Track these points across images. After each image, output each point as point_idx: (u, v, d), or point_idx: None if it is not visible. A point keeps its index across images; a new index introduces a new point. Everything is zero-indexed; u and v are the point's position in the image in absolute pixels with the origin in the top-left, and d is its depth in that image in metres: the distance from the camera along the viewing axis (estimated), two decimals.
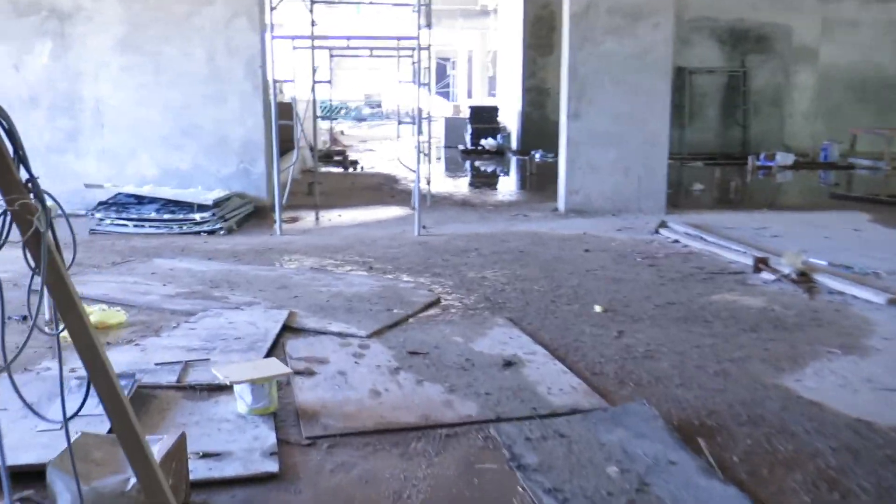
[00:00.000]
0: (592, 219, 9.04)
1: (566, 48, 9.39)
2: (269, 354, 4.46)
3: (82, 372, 4.32)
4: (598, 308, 5.44)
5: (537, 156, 15.35)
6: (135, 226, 8.27)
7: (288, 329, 4.96)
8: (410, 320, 5.20)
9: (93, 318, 4.94)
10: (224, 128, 9.30)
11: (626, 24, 9.16)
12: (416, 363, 4.35)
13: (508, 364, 4.31)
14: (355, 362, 4.37)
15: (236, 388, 3.63)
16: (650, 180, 9.38)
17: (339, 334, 4.84)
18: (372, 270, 6.60)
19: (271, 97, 8.83)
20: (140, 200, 8.53)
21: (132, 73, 9.18)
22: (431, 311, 5.42)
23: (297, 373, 4.17)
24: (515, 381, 4.07)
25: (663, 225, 8.34)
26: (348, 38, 9.91)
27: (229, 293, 5.79)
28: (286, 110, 9.31)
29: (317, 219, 9.23)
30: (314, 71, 9.30)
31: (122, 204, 8.49)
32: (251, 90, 9.20)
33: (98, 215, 8.36)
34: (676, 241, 7.74)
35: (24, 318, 5.16)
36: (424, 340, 4.74)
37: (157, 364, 4.24)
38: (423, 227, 8.25)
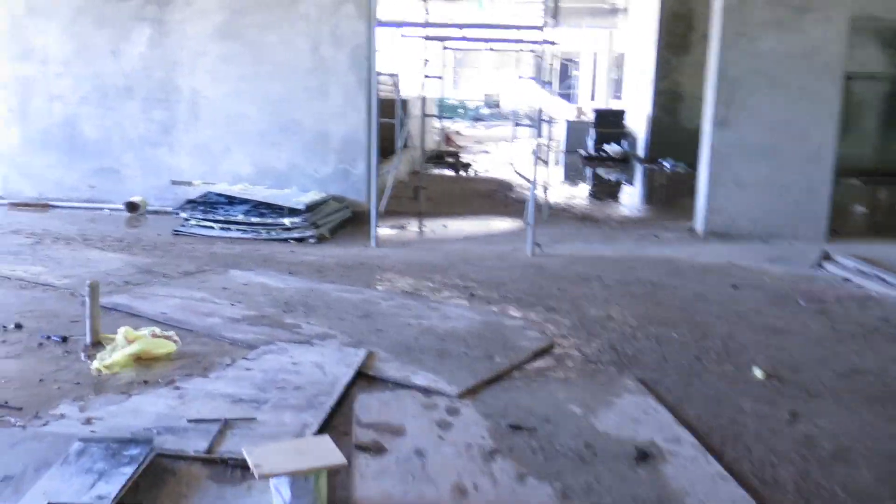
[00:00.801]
0: (737, 244, 7.70)
1: (715, 45, 8.05)
2: (333, 413, 3.51)
3: (102, 425, 3.54)
4: (758, 372, 4.21)
5: (667, 165, 13.94)
6: (221, 228, 7.56)
7: (362, 376, 4.00)
8: (515, 373, 4.14)
9: (137, 347, 4.14)
10: (324, 124, 8.50)
11: (791, 18, 7.75)
12: (517, 445, 3.28)
13: (643, 456, 3.18)
14: (439, 436, 3.34)
15: (272, 480, 2.68)
16: (810, 202, 7.94)
17: (425, 390, 3.83)
18: (474, 299, 5.57)
19: (375, 91, 7.95)
20: (231, 201, 7.82)
21: (230, 64, 8.51)
22: (542, 362, 4.33)
23: (362, 448, 3.19)
24: (654, 489, 2.94)
25: (827, 257, 6.92)
26: (462, 26, 8.92)
27: (303, 320, 4.89)
28: (391, 107, 8.41)
29: (419, 229, 8.29)
30: (425, 64, 8.38)
31: (211, 203, 7.80)
32: (355, 83, 8.36)
33: (184, 215, 7.71)
34: (847, 280, 6.34)
35: (64, 338, 4.43)
36: (531, 408, 3.66)
37: (189, 421, 3.35)
38: (538, 246, 7.15)
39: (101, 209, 8.68)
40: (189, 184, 8.20)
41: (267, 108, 8.53)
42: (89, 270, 6.01)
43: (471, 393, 3.81)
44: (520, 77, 10.60)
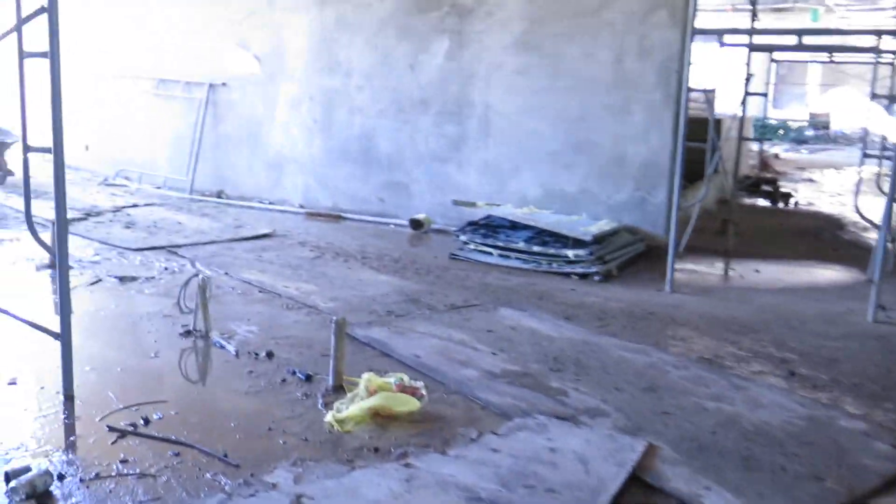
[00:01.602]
0: None
1: None
2: None
3: None
4: None
5: None
6: (499, 255, 6.97)
7: (636, 480, 3.06)
8: None
9: (377, 401, 3.58)
10: (622, 145, 7.57)
11: None
12: None
13: None
14: None
15: None
16: None
17: None
18: (793, 379, 4.33)
19: (684, 110, 6.85)
20: (513, 225, 7.19)
21: (526, 77, 7.91)
22: None
23: None
24: None
25: None
26: (801, 32, 7.44)
27: (572, 385, 4.04)
28: (701, 127, 7.24)
29: (725, 272, 7.05)
30: (748, 79, 7.12)
31: (492, 227, 7.24)
32: (661, 100, 7.32)
33: (463, 238, 7.23)
34: None
35: (309, 377, 4.02)
36: None
37: None
38: (882, 310, 5.60)
39: (387, 224, 8.55)
40: (472, 205, 7.73)
41: (561, 125, 7.81)
42: (357, 294, 5.69)
43: None
44: (873, 96, 8.75)
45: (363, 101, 8.85)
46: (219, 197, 9.67)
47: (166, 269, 6.15)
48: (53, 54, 3.36)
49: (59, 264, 3.53)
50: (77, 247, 6.69)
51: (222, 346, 4.44)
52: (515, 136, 8.04)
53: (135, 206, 8.84)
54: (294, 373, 4.07)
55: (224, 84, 9.73)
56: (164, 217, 8.28)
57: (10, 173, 9.45)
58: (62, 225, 3.46)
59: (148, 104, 10.49)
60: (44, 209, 7.17)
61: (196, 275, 4.75)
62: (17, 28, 3.41)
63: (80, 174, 10.59)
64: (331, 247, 7.30)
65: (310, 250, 7.13)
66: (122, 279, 5.77)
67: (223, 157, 9.90)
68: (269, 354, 4.34)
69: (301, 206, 9.26)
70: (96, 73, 10.82)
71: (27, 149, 3.57)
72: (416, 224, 8.28)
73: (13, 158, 9.27)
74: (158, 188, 10.12)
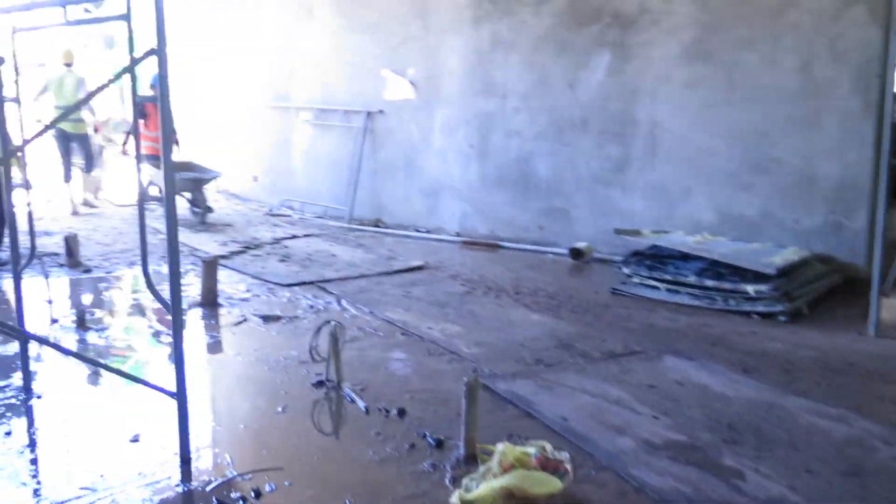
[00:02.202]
0: None
1: None
2: None
3: None
4: None
5: None
6: (667, 290, 6.25)
7: None
8: None
9: (511, 481, 3.08)
10: (812, 163, 6.62)
11: None
12: None
13: None
14: None
15: None
16: None
17: None
18: None
19: (889, 120, 5.85)
20: (684, 256, 6.45)
21: (697, 90, 7.14)
22: None
23: None
24: None
25: None
26: None
27: (749, 464, 3.34)
28: None
29: None
30: None
31: (660, 258, 6.53)
32: (859, 110, 6.33)
33: (626, 270, 6.58)
34: None
35: (439, 442, 3.58)
36: None
37: None
38: None
39: (546, 253, 8.03)
40: (636, 233, 7.04)
41: (737, 142, 6.96)
42: (504, 337, 5.21)
43: None
44: None
45: (520, 124, 8.40)
46: (376, 225, 9.55)
47: (312, 307, 5.97)
48: (164, 96, 3.16)
49: (174, 321, 3.31)
50: (230, 282, 6.69)
51: (353, 400, 4.11)
52: (686, 156, 7.28)
53: (293, 237, 8.86)
54: (424, 436, 3.66)
55: (381, 111, 9.62)
56: (320, 249, 8.21)
57: (210, 210, 9.64)
58: (175, 280, 3.24)
59: (308, 134, 10.62)
60: (207, 243, 7.08)
61: (328, 322, 4.47)
62: (130, 69, 3.25)
63: (249, 205, 10.88)
64: (483, 280, 6.87)
65: (460, 284, 6.74)
66: (265, 319, 5.63)
67: (381, 185, 9.79)
68: (401, 412, 3.95)
69: (457, 234, 8.93)
70: (260, 105, 11.12)
71: (144, 197, 3.40)
72: (576, 253, 7.70)
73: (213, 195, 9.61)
74: (319, 217, 10.18)
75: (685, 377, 4.42)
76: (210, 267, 6.00)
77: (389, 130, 9.61)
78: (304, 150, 10.69)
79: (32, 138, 3.47)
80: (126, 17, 3.29)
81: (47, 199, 10.78)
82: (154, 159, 9.39)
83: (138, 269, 7.25)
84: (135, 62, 3.21)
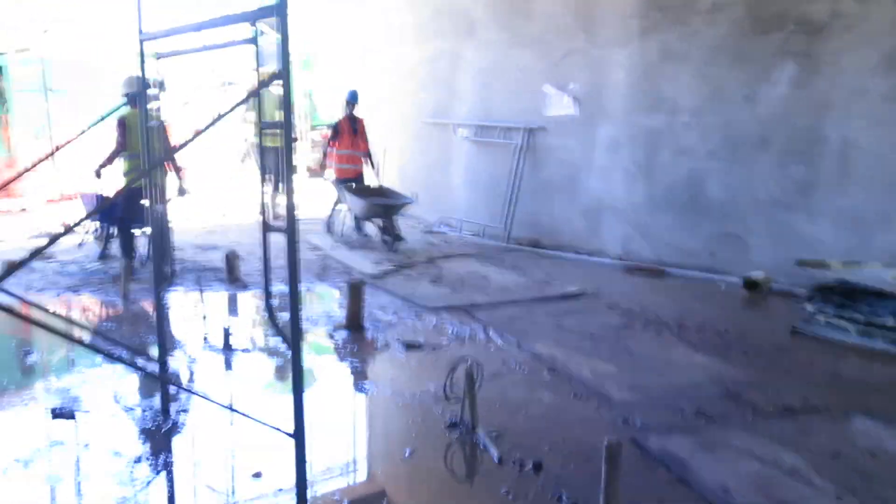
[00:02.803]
0: None
1: None
2: None
3: None
4: None
5: None
6: (859, 333, 5.46)
7: None
8: None
9: None
10: None
11: None
12: None
13: None
14: None
15: None
16: None
17: None
18: None
19: None
20: (880, 293, 5.62)
21: None
22: None
23: None
24: None
25: None
26: None
27: None
28: None
29: None
30: None
31: (851, 294, 5.72)
32: None
33: (810, 307, 5.83)
34: None
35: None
36: None
37: None
38: None
39: (716, 282, 7.33)
40: (822, 265, 6.23)
41: None
42: (662, 381, 4.70)
43: None
44: None
45: (690, 141, 7.76)
46: (534, 246, 9.18)
47: (457, 335, 5.70)
48: (287, 123, 2.98)
49: (293, 359, 3.12)
50: (380, 305, 6.57)
51: (486, 448, 3.77)
52: (885, 178, 6.39)
53: (447, 257, 8.67)
54: (560, 499, 3.26)
55: (542, 128, 9.26)
56: (473, 270, 7.95)
57: (401, 238, 9.09)
58: (295, 316, 3.05)
59: (467, 150, 10.44)
60: (362, 262, 7.00)
61: (465, 360, 4.17)
62: (256, 93, 3.11)
63: (409, 222, 10.84)
64: (643, 311, 6.33)
65: (618, 315, 6.25)
66: (407, 346, 5.42)
67: (540, 204, 9.42)
68: (537, 467, 3.57)
69: (619, 258, 8.40)
70: (421, 122, 11.07)
71: (267, 227, 3.25)
72: (750, 284, 6.97)
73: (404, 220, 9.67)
74: (476, 236, 9.96)
75: (879, 446, 3.73)
76: (355, 290, 5.88)
77: (550, 148, 9.23)
78: (462, 167, 10.52)
79: (180, 147, 3.43)
80: (254, 41, 3.18)
81: (221, 213, 11.27)
82: (343, 182, 9.54)
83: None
84: (262, 85, 3.07)
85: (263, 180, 3.55)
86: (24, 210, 11.49)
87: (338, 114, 10.14)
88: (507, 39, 9.67)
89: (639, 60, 8.10)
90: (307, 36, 16.11)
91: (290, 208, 2.99)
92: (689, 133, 7.75)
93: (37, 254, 2.57)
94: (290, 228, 3.02)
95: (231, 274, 7.35)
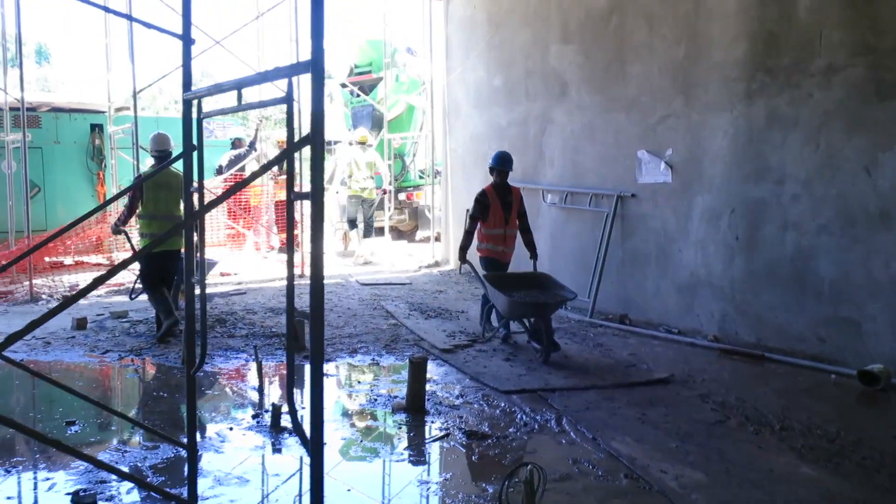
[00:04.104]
0: None
1: None
2: None
3: None
4: None
5: None
6: None
7: None
8: None
9: None
10: None
11: None
12: None
13: None
14: None
15: None
16: None
17: None
18: None
19: None
20: None
21: None
22: None
23: None
24: None
25: None
26: None
27: None
28: None
29: None
30: None
31: None
32: None
33: None
34: None
35: None
36: None
37: None
38: None
39: (827, 372, 6.51)
40: None
41: None
42: (760, 499, 4.00)
43: None
44: None
45: (798, 214, 7.02)
46: (621, 322, 8.53)
47: (525, 425, 5.13)
48: (317, 193, 2.58)
49: (312, 467, 2.66)
50: (446, 382, 6.09)
51: None
52: None
53: (526, 330, 8.11)
54: None
55: (633, 195, 8.68)
56: None
57: (557, 347, 6.99)
58: (318, 417, 2.59)
59: (554, 217, 9.93)
60: (434, 332, 6.55)
61: (525, 465, 3.62)
62: (288, 156, 2.74)
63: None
64: (741, 405, 5.60)
65: (711, 409, 5.54)
66: (469, 435, 4.89)
67: (629, 277, 8.78)
68: None
69: (714, 339, 7.64)
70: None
71: (293, 314, 2.83)
72: (868, 378, 6.13)
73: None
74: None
75: None
76: (417, 368, 5.40)
77: (641, 216, 8.62)
78: (548, 234, 10.00)
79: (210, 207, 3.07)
80: (288, 100, 2.82)
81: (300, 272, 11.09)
82: (487, 264, 7.76)
83: (359, 359, 6.93)
84: (293, 148, 2.70)
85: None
86: (112, 264, 11.64)
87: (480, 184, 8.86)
88: (599, 102, 9.19)
89: (743, 126, 7.46)
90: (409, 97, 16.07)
91: (317, 267, 2.56)
92: (797, 205, 7.02)
93: (49, 317, 2.24)
94: (315, 305, 2.58)
95: (296, 342, 7.01)
